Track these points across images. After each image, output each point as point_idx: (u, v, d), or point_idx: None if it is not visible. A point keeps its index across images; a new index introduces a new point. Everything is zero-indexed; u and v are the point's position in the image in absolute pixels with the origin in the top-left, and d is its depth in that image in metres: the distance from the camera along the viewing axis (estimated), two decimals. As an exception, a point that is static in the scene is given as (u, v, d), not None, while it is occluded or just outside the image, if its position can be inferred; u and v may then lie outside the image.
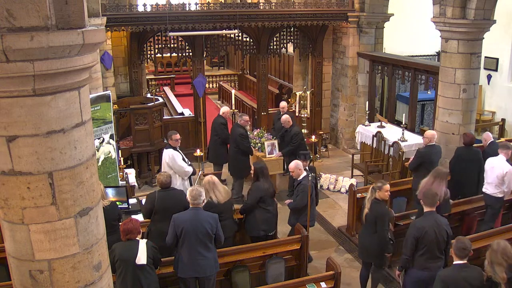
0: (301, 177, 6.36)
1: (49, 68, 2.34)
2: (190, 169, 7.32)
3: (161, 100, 10.37)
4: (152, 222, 5.76)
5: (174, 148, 7.22)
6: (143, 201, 6.20)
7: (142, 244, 4.70)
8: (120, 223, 5.61)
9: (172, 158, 7.15)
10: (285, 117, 8.82)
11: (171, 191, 5.81)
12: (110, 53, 9.71)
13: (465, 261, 4.40)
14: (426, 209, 5.15)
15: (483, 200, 6.87)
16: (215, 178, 5.92)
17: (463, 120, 8.33)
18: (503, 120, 11.68)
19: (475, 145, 7.60)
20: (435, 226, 4.98)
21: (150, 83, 17.01)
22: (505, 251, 4.21)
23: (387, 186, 5.59)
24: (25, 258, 2.67)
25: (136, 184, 8.33)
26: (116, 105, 8.76)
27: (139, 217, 6.07)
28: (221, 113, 9.24)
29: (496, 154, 6.85)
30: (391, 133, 9.53)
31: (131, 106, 9.36)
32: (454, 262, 4.44)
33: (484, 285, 4.28)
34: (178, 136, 7.30)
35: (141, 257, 4.63)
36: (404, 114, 9.76)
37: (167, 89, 17.05)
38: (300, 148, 8.34)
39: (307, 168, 6.57)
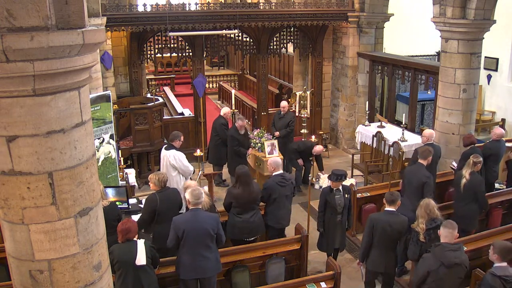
0: (273, 174, 6.38)
1: (49, 68, 2.34)
2: (193, 168, 7.43)
3: (161, 100, 10.37)
4: (154, 224, 5.71)
5: (177, 149, 7.24)
6: (143, 201, 6.18)
7: (141, 244, 4.69)
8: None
9: (178, 159, 7.17)
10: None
11: (167, 191, 5.80)
12: (110, 53, 9.71)
13: (394, 209, 5.33)
14: (419, 161, 6.38)
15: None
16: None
17: (463, 120, 8.33)
18: (503, 120, 11.69)
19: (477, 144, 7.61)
20: (415, 172, 6.29)
21: (150, 83, 17.00)
22: (428, 206, 5.17)
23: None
24: (25, 258, 2.67)
25: (136, 184, 8.32)
26: (116, 105, 8.76)
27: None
28: (222, 113, 9.27)
29: (496, 151, 6.91)
30: (391, 133, 9.53)
31: (131, 106, 9.35)
32: (385, 209, 5.39)
33: (406, 231, 5.31)
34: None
35: (141, 258, 4.62)
36: (404, 114, 9.76)
37: (167, 89, 17.04)
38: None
39: (340, 188, 6.11)
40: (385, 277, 5.62)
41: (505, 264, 4.36)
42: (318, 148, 8.90)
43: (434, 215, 5.17)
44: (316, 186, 8.58)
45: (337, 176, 6.05)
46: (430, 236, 5.07)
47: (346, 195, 6.14)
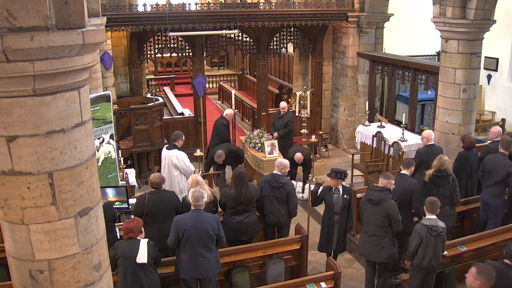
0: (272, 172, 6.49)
1: (49, 68, 2.34)
2: (194, 168, 7.43)
3: (161, 100, 10.37)
4: (143, 225, 5.71)
5: (179, 149, 7.25)
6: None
7: (143, 243, 4.72)
8: (115, 223, 5.61)
9: (181, 159, 7.18)
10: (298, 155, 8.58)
11: (161, 193, 5.76)
12: (110, 53, 9.71)
13: (407, 172, 6.28)
14: (500, 150, 6.73)
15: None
16: (200, 178, 5.84)
17: (463, 120, 8.33)
18: (503, 120, 11.68)
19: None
20: (501, 162, 6.63)
21: (150, 83, 17.00)
22: (441, 159, 6.32)
23: None
24: (25, 258, 2.67)
25: (136, 184, 8.33)
26: (116, 105, 8.76)
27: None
28: (224, 114, 9.28)
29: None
30: (391, 133, 9.53)
31: (131, 106, 9.36)
32: (400, 172, 6.37)
33: (416, 191, 6.11)
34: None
35: (142, 256, 4.64)
36: (404, 114, 9.76)
37: (167, 89, 17.04)
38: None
39: (339, 188, 6.09)
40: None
41: (434, 216, 5.24)
42: (297, 155, 8.52)
43: (444, 167, 6.24)
44: (299, 196, 8.40)
45: (336, 173, 6.07)
46: (434, 181, 6.27)
47: (346, 196, 6.09)
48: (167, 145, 7.52)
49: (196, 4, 9.90)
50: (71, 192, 2.63)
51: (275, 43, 11.14)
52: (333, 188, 6.08)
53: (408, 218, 6.09)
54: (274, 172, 6.38)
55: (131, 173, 8.23)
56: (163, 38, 10.28)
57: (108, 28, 9.08)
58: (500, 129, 7.77)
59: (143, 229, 4.87)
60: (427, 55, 13.36)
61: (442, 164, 6.24)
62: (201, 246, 4.95)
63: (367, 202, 5.66)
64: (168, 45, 10.58)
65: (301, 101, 10.48)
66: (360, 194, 7.37)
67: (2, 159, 2.49)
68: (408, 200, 6.07)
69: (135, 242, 4.70)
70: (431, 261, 5.20)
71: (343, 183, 6.23)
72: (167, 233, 5.10)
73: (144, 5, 9.65)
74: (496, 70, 12.34)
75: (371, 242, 5.64)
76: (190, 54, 10.65)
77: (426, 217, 5.29)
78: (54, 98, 2.47)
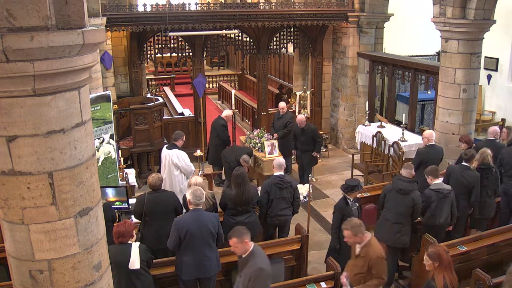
0: (273, 174, 6.35)
1: (49, 68, 2.34)
2: (194, 168, 7.45)
3: (161, 100, 10.37)
4: (143, 224, 5.72)
5: (179, 149, 7.26)
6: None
7: (135, 247, 4.65)
8: (114, 224, 5.60)
9: (182, 158, 7.20)
10: (301, 117, 8.97)
11: (160, 193, 5.76)
12: (110, 53, 9.71)
13: (469, 165, 6.48)
14: None
15: None
16: (200, 180, 5.76)
17: (463, 120, 8.33)
18: (503, 120, 11.68)
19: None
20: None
21: (150, 83, 17.01)
22: (484, 153, 6.51)
23: None
24: (25, 258, 2.67)
25: (136, 184, 8.33)
26: (116, 105, 8.75)
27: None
28: (223, 115, 9.27)
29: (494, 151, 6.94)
30: (391, 133, 9.53)
31: (131, 106, 9.36)
32: (462, 163, 6.64)
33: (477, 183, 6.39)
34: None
35: (135, 261, 4.58)
36: (404, 114, 9.76)
37: (167, 89, 17.04)
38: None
39: (351, 199, 5.75)
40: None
41: (439, 181, 5.97)
42: (300, 117, 8.96)
43: (486, 161, 6.47)
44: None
45: (353, 186, 5.72)
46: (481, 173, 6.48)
47: (357, 204, 5.93)
48: (167, 145, 7.53)
49: (196, 4, 9.90)
50: (71, 192, 2.63)
51: (275, 43, 11.14)
52: (351, 200, 5.75)
53: (466, 206, 6.47)
54: (277, 173, 6.33)
55: (131, 173, 8.23)
56: (163, 38, 10.28)
57: (108, 28, 9.08)
58: (498, 129, 7.75)
59: (134, 233, 4.80)
60: (427, 55, 13.35)
61: (484, 158, 6.50)
62: (204, 245, 4.93)
63: (396, 191, 5.85)
64: (168, 45, 10.57)
65: (301, 101, 10.49)
66: (360, 194, 7.37)
67: (2, 159, 2.49)
68: (468, 192, 6.42)
69: (127, 247, 4.62)
70: (439, 219, 5.84)
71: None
72: (166, 233, 5.08)
73: (144, 5, 9.65)
74: (496, 70, 12.33)
75: (392, 229, 5.83)
76: (190, 54, 10.65)
77: (433, 182, 5.91)
78: (54, 98, 2.46)
